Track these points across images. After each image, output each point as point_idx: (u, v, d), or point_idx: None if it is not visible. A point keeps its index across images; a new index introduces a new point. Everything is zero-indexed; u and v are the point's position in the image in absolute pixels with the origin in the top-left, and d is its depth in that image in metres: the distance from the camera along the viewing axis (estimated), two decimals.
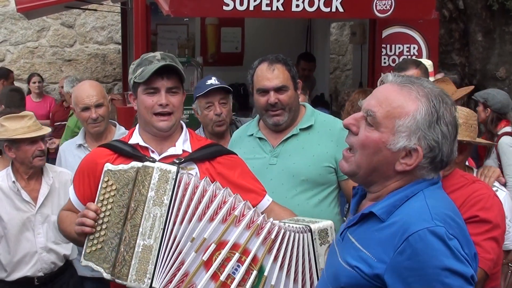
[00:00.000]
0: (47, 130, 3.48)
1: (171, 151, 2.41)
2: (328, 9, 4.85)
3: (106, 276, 2.16)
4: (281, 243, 2.06)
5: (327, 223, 2.14)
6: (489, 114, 5.05)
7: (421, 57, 6.08)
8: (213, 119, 3.53)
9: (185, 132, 2.49)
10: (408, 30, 6.31)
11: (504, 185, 3.14)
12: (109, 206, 2.20)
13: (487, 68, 8.13)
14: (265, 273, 2.06)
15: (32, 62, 8.84)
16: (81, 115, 3.71)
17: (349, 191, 2.67)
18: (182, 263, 2.09)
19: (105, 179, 2.22)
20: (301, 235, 2.07)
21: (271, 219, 2.11)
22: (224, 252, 2.06)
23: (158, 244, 2.08)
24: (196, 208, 2.11)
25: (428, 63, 4.33)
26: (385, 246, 1.54)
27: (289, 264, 2.07)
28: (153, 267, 2.07)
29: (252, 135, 3.04)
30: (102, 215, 2.20)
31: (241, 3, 4.69)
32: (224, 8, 4.71)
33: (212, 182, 2.19)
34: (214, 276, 2.06)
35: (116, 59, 8.92)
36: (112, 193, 2.20)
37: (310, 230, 2.08)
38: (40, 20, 8.64)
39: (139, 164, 2.21)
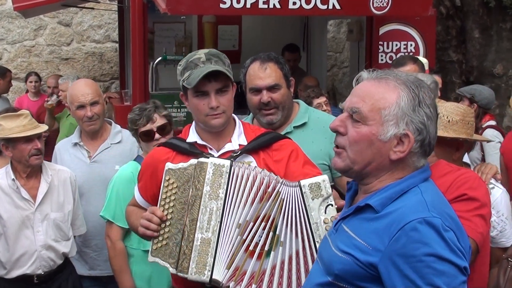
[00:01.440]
0: (43, 128, 3.47)
1: (228, 147, 2.46)
2: (325, 7, 4.84)
3: (172, 270, 2.23)
4: (283, 198, 2.17)
5: (319, 177, 2.23)
6: (475, 109, 5.09)
7: (418, 54, 6.08)
8: None
9: (239, 126, 2.54)
10: (405, 27, 6.31)
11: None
12: (171, 204, 2.28)
13: (484, 65, 8.12)
14: (277, 232, 2.18)
15: (29, 61, 8.82)
16: (76, 113, 3.71)
17: (344, 188, 2.67)
18: (232, 248, 2.18)
19: (167, 178, 2.30)
20: (291, 189, 2.19)
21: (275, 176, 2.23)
22: (256, 226, 2.18)
23: (216, 237, 2.18)
24: (242, 196, 2.21)
25: (424, 61, 4.37)
26: (380, 235, 1.57)
27: (291, 220, 2.16)
28: (212, 259, 2.16)
29: None
30: (165, 212, 2.27)
31: (238, 1, 4.69)
32: (221, 5, 4.71)
33: (269, 171, 2.27)
34: (247, 248, 2.18)
35: (113, 58, 8.90)
36: (173, 191, 2.28)
37: (299, 185, 2.16)
38: (37, 18, 8.61)
39: (196, 160, 2.28)
